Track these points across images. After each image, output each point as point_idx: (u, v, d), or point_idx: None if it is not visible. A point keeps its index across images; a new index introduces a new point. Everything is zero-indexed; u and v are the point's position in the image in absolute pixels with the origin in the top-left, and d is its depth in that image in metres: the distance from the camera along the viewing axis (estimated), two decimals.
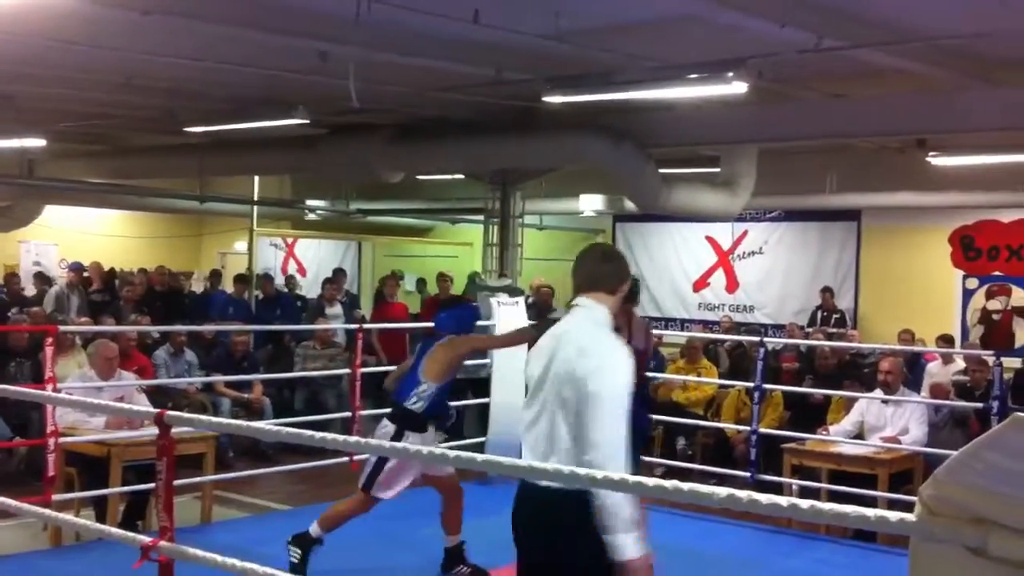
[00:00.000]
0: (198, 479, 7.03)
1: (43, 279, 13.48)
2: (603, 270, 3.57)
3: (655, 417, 9.76)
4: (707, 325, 14.16)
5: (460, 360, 6.04)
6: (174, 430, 3.58)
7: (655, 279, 15.55)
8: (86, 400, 5.75)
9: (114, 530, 4.59)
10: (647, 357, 6.86)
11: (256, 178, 15.22)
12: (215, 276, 14.76)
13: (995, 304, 12.54)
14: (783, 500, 2.24)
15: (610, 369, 3.26)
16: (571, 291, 3.57)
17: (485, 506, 7.52)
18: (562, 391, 3.29)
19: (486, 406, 8.64)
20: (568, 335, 3.42)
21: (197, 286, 15.43)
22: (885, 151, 11.66)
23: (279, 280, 16.09)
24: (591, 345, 3.33)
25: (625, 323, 6.11)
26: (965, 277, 12.86)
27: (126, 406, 6.30)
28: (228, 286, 13.99)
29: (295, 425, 7.76)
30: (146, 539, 3.59)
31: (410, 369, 5.95)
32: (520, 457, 3.26)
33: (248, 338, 10.14)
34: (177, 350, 9.55)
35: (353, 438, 3.93)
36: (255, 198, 15.16)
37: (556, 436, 3.29)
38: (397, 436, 5.77)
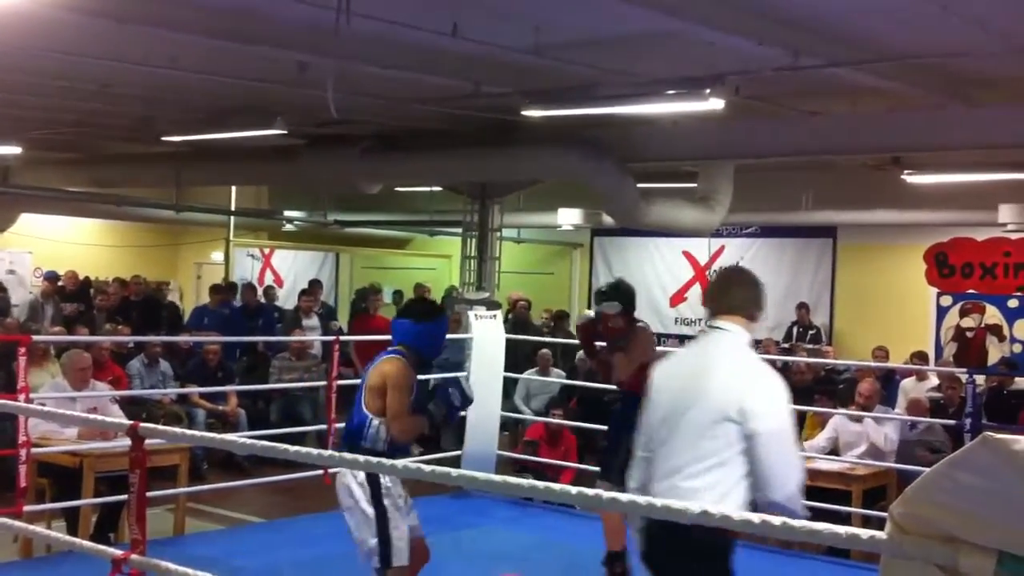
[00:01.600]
0: (171, 491, 6.98)
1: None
2: (750, 295, 3.55)
3: None
4: (683, 340, 14.19)
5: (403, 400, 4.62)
6: (147, 441, 3.55)
7: None
8: (59, 411, 5.70)
9: (85, 543, 4.55)
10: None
11: (233, 188, 15.17)
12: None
13: (969, 322, 12.65)
14: (755, 516, 2.25)
15: (779, 404, 3.28)
16: (708, 312, 3.53)
17: (461, 520, 7.52)
18: (717, 419, 3.23)
19: (463, 419, 8.63)
20: (718, 361, 3.34)
21: (173, 296, 15.36)
22: (861, 169, 11.75)
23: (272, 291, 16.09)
24: (754, 378, 3.29)
25: (629, 334, 5.93)
26: (939, 294, 12.96)
27: (99, 417, 6.26)
28: (204, 296, 13.93)
29: (270, 437, 7.72)
30: (118, 552, 3.56)
31: (356, 399, 4.76)
32: (494, 471, 3.26)
33: (219, 348, 10.08)
34: (152, 360, 9.49)
35: (328, 452, 3.91)
36: (232, 208, 15.11)
37: (700, 461, 3.26)
38: (375, 489, 4.54)
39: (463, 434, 8.53)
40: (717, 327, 3.45)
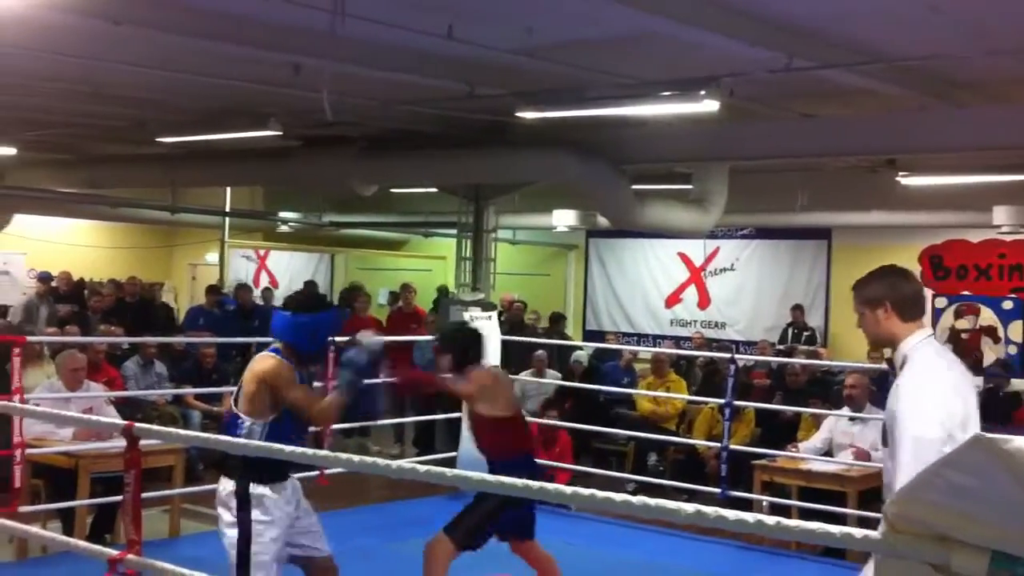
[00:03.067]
0: (167, 492, 6.98)
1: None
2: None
3: (628, 433, 9.83)
4: (679, 341, 14.21)
5: (280, 400, 4.28)
6: (143, 442, 3.56)
7: (628, 295, 15.62)
8: (53, 411, 5.70)
9: (81, 543, 4.54)
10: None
11: (228, 189, 15.16)
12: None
13: (964, 323, 12.67)
14: (750, 516, 2.25)
15: (919, 408, 3.08)
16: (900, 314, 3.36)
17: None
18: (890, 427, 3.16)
19: (458, 420, 8.63)
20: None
21: (167, 297, 15.35)
22: (855, 170, 11.77)
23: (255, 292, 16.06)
24: (905, 380, 3.17)
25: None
26: (934, 296, 12.98)
27: (94, 417, 6.26)
28: (199, 297, 13.92)
29: None
30: (113, 552, 3.56)
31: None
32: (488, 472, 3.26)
33: (215, 349, 10.08)
34: (147, 361, 9.48)
35: (322, 452, 3.91)
36: (227, 209, 15.10)
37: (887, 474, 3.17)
38: (243, 495, 4.20)
39: (458, 435, 8.54)
40: (932, 334, 3.42)
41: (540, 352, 10.63)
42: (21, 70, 8.01)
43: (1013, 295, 12.44)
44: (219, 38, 6.51)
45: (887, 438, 3.19)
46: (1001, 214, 11.09)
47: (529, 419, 9.76)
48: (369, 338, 4.49)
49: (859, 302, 3.53)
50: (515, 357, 10.23)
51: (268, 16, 6.34)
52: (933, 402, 3.09)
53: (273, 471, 4.20)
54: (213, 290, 12.89)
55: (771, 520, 2.24)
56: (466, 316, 8.82)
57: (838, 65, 6.78)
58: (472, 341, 5.60)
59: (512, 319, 12.29)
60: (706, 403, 9.53)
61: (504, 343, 9.05)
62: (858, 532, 2.14)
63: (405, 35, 6.46)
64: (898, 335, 3.34)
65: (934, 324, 12.92)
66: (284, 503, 4.27)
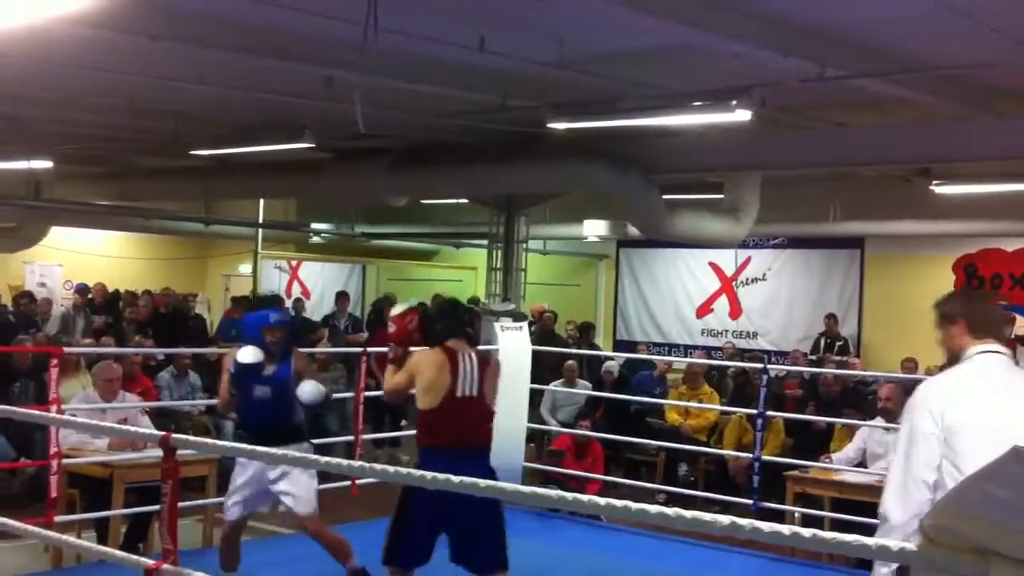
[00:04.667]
0: (200, 502, 7.03)
1: (49, 304, 13.44)
2: None
3: (658, 443, 9.80)
4: (710, 352, 14.16)
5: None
6: (178, 453, 3.59)
7: (659, 305, 15.58)
8: (89, 421, 5.76)
9: (117, 552, 4.59)
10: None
11: (261, 201, 15.27)
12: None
13: None
14: (785, 528, 2.25)
15: (910, 407, 3.60)
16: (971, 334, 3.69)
17: None
18: None
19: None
20: None
21: (201, 308, 15.47)
22: (889, 179, 11.70)
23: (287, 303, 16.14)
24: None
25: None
26: None
27: (131, 428, 6.32)
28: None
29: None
30: (149, 562, 3.59)
31: None
32: (520, 483, 3.27)
33: None
34: (180, 372, 9.56)
35: (356, 462, 3.93)
36: (260, 221, 15.21)
37: None
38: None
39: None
40: (999, 351, 3.64)
41: (571, 362, 10.63)
42: (59, 85, 8.13)
43: None
44: (253, 52, 6.58)
45: None
46: None
47: (560, 429, 9.82)
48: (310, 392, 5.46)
49: (939, 317, 3.86)
50: (545, 367, 10.23)
51: (301, 29, 6.41)
52: (924, 400, 3.55)
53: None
54: (239, 301, 12.97)
55: (807, 532, 2.24)
56: (497, 327, 8.82)
57: (871, 75, 6.75)
58: (440, 317, 5.22)
59: (543, 329, 12.28)
60: (736, 413, 9.49)
61: (535, 353, 9.04)
62: (894, 544, 2.13)
63: (437, 47, 6.51)
64: (965, 348, 3.66)
65: None
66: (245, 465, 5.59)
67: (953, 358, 3.77)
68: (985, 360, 3.58)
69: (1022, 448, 1.82)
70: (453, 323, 5.11)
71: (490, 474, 4.77)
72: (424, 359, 4.99)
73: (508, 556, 4.93)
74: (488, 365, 5.05)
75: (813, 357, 12.49)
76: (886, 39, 6.31)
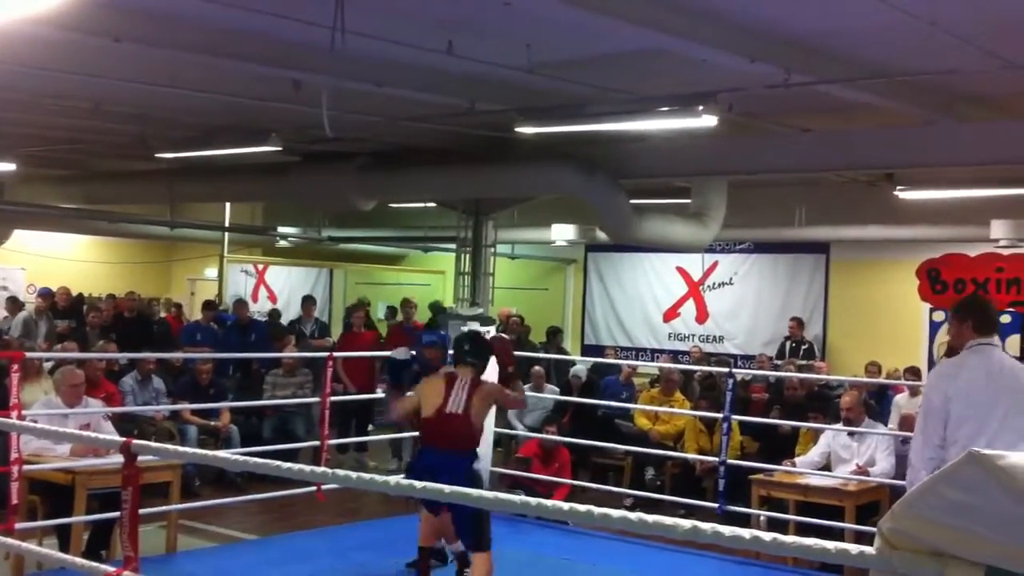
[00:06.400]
0: (164, 508, 6.96)
1: (16, 304, 13.32)
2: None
3: (625, 447, 9.82)
4: (677, 356, 14.21)
5: None
6: (139, 458, 3.56)
7: (626, 309, 15.63)
8: (51, 428, 5.70)
9: (78, 559, 4.54)
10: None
11: (227, 204, 15.18)
12: (178, 308, 14.82)
13: None
14: (746, 532, 2.26)
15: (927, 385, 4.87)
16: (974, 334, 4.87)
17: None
18: None
19: None
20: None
21: (166, 312, 15.36)
22: (854, 185, 11.79)
23: (266, 307, 16.10)
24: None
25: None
26: (932, 310, 12.99)
27: (91, 434, 6.23)
28: (198, 312, 13.93)
29: (263, 454, 7.71)
30: (110, 569, 3.56)
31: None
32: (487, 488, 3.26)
33: (212, 364, 10.08)
34: (144, 377, 9.48)
35: (320, 468, 3.91)
36: (226, 224, 15.12)
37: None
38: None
39: None
40: (994, 344, 4.96)
41: (538, 367, 10.63)
42: (23, 87, 8.04)
43: (1011, 309, 12.44)
44: (219, 54, 6.54)
45: None
46: (999, 228, 11.11)
47: (528, 434, 9.82)
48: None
49: (952, 316, 5.08)
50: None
51: (269, 32, 6.37)
52: (936, 378, 4.97)
53: None
54: (209, 306, 12.89)
55: (767, 536, 2.25)
56: (464, 331, 8.81)
57: (836, 80, 6.80)
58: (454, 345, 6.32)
59: (510, 334, 12.27)
60: (703, 417, 9.53)
61: None
62: (854, 548, 2.15)
63: (405, 51, 6.49)
64: (967, 342, 4.86)
65: (931, 338, 12.94)
66: None
67: (951, 351, 4.93)
68: (981, 349, 4.82)
69: (978, 452, 1.84)
70: (456, 353, 6.22)
71: (469, 472, 5.75)
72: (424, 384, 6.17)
73: (489, 540, 5.69)
74: (478, 388, 5.96)
75: (779, 361, 12.57)
76: (851, 46, 6.36)
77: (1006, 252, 12.02)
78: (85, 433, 6.17)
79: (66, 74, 7.22)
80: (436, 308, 13.26)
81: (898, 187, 10.73)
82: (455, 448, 5.81)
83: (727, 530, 2.27)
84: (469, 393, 5.91)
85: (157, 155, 10.64)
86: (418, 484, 2.92)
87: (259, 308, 16.03)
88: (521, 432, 10.09)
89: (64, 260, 16.46)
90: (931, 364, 12.68)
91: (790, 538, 2.25)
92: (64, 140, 11.21)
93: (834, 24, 5.97)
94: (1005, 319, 12.42)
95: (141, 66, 7.05)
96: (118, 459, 3.88)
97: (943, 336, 12.81)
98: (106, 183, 13.53)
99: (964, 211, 11.16)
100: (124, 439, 3.56)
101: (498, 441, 9.44)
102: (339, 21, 5.41)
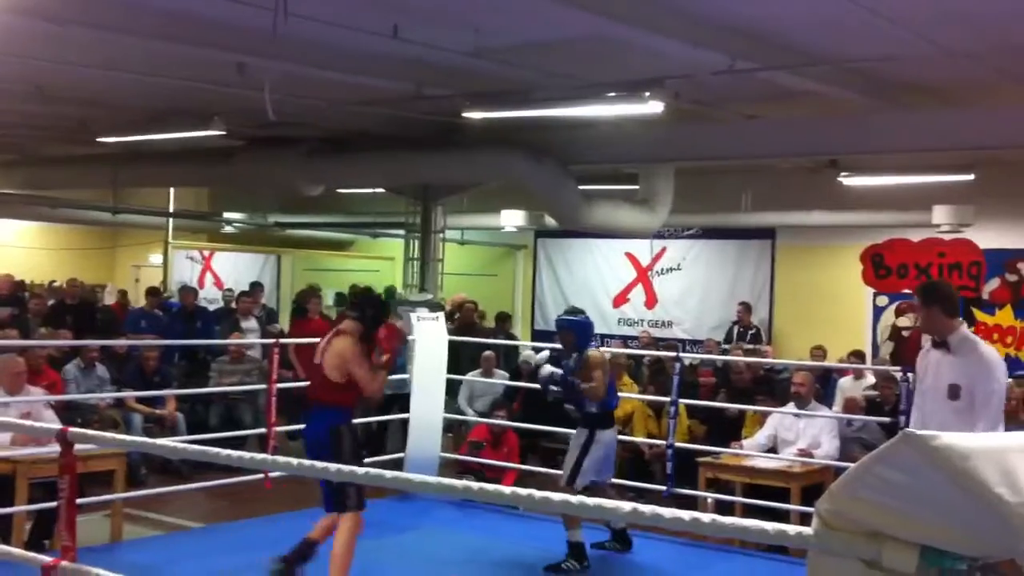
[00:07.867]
0: (108, 497, 6.88)
1: None
2: None
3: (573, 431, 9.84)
4: (626, 341, 14.28)
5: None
6: (83, 447, 3.50)
7: (576, 294, 15.67)
8: None
9: (15, 550, 4.47)
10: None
11: (172, 190, 14.98)
12: (123, 295, 14.60)
13: (904, 321, 12.86)
14: (685, 515, 2.27)
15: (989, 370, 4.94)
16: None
17: (404, 522, 7.52)
18: None
19: (406, 422, 8.61)
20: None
21: (110, 299, 15.14)
22: (798, 171, 11.92)
23: (212, 294, 15.90)
24: (980, 354, 5.03)
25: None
26: (876, 294, 13.17)
27: (29, 423, 6.13)
28: (142, 299, 13.76)
29: (209, 442, 7.64)
30: (47, 559, 3.50)
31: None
32: (436, 473, 3.26)
33: (157, 351, 9.95)
34: (88, 365, 9.34)
35: (267, 456, 3.88)
36: (171, 210, 14.93)
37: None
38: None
39: (407, 436, 8.51)
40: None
41: (488, 352, 10.63)
42: None
43: None
44: (162, 37, 6.45)
45: (958, 393, 4.87)
46: (940, 214, 11.27)
47: (477, 419, 9.83)
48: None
49: (920, 300, 5.09)
50: (465, 357, 10.22)
51: (211, 15, 6.29)
52: (1002, 368, 4.99)
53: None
54: (154, 292, 12.72)
55: (706, 518, 2.27)
56: (413, 317, 8.78)
57: (780, 67, 6.87)
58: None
59: (464, 320, 12.26)
60: (651, 401, 9.59)
61: (454, 343, 9.03)
62: (792, 529, 2.17)
63: (350, 35, 6.44)
64: (948, 326, 4.97)
65: (875, 322, 13.13)
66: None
67: (938, 334, 5.00)
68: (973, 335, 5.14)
69: (912, 433, 1.86)
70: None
71: (329, 431, 5.56)
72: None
73: (356, 500, 5.53)
74: (338, 337, 5.69)
75: (727, 346, 12.68)
76: (794, 33, 6.41)
77: (947, 237, 12.21)
78: (24, 422, 6.07)
79: (7, 57, 7.08)
80: (389, 292, 13.22)
81: (842, 173, 10.87)
82: (316, 398, 5.69)
83: (668, 512, 2.28)
84: (329, 342, 5.69)
85: (100, 139, 10.47)
86: (359, 471, 2.90)
87: (206, 295, 15.84)
88: (472, 417, 10.09)
89: (6, 246, 16.17)
90: (875, 348, 12.88)
91: (729, 519, 2.27)
92: (6, 124, 11.00)
93: (777, 11, 6.02)
94: None
95: (84, 50, 6.93)
96: (59, 448, 3.82)
97: (887, 320, 13.01)
98: (48, 168, 13.30)
99: (907, 197, 11.31)
100: (60, 428, 3.50)
101: (448, 427, 9.43)
102: (282, 3, 5.35)
